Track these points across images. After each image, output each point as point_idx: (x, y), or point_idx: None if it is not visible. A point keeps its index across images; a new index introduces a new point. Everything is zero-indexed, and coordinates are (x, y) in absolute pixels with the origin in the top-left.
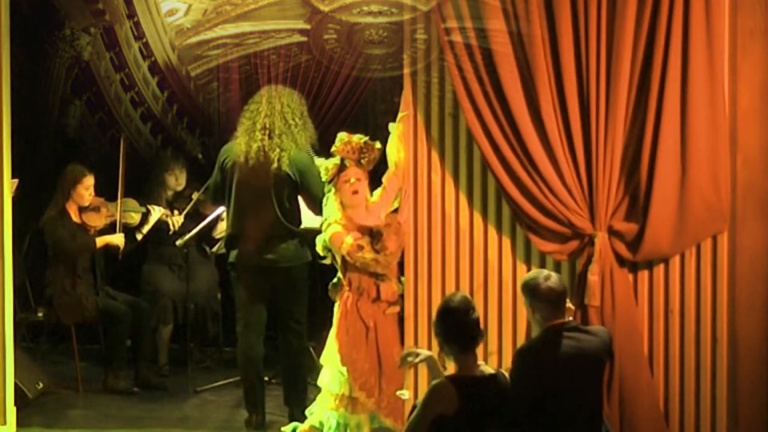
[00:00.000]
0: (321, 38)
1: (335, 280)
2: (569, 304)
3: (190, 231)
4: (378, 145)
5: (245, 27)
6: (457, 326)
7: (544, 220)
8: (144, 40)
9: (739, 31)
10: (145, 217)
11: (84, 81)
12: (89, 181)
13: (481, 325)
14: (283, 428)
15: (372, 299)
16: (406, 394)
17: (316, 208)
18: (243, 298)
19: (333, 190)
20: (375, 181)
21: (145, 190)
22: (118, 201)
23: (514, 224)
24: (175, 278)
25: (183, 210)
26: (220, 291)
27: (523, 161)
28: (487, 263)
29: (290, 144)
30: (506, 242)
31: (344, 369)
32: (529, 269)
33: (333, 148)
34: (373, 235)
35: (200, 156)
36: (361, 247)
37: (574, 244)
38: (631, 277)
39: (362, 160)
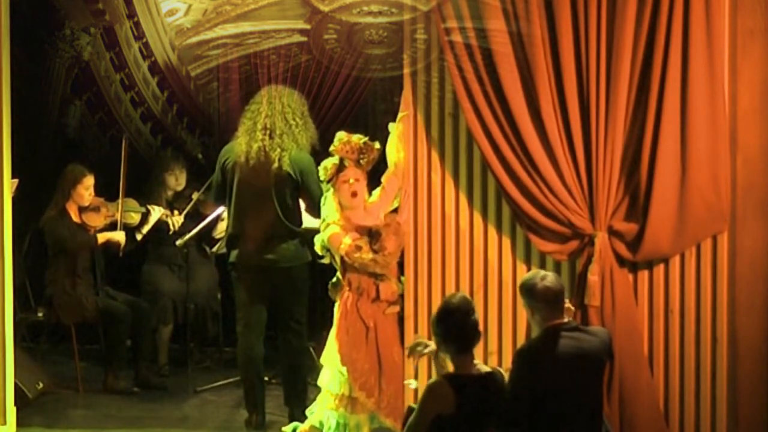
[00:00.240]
0: (321, 38)
1: (334, 279)
2: (569, 305)
3: (190, 231)
4: (377, 145)
5: (245, 27)
6: (457, 327)
7: (544, 220)
8: (144, 40)
9: (739, 31)
10: (145, 217)
11: (84, 81)
12: (89, 181)
13: (481, 325)
14: (283, 428)
15: (372, 299)
16: (413, 383)
17: (315, 210)
18: (243, 298)
19: (331, 190)
20: (374, 181)
21: (145, 190)
22: (119, 201)
23: (514, 224)
24: (175, 278)
25: (183, 210)
26: (220, 291)
27: (523, 161)
28: (487, 263)
29: (291, 144)
30: (506, 242)
31: (344, 369)
32: (529, 269)
33: (332, 148)
34: (372, 235)
35: (200, 156)
36: (359, 248)
37: (574, 244)
38: (631, 277)
39: (361, 161)
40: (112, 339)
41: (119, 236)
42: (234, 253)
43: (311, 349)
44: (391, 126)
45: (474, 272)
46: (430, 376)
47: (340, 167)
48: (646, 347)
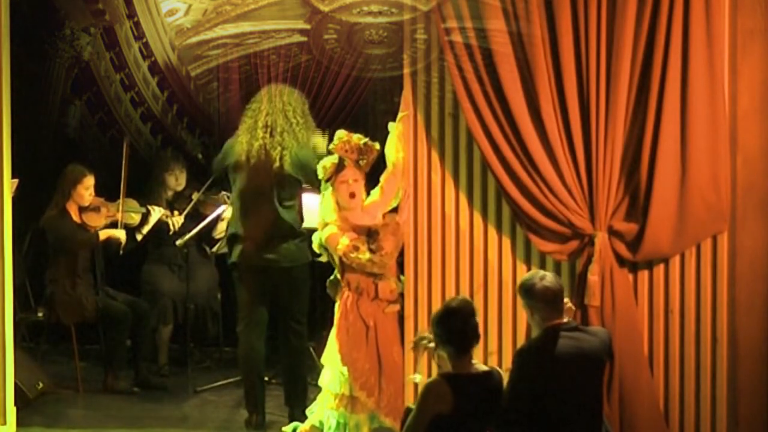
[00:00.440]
0: (321, 38)
1: (332, 277)
2: (569, 305)
3: (190, 231)
4: (377, 146)
5: (245, 27)
6: (456, 329)
7: (544, 220)
8: (144, 40)
9: (739, 31)
10: (145, 217)
11: (84, 81)
12: (89, 181)
13: (481, 325)
14: (283, 428)
15: (371, 298)
16: (418, 377)
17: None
18: (244, 298)
19: (329, 189)
20: (373, 181)
21: (145, 190)
22: (120, 201)
23: (514, 224)
24: (175, 278)
25: (183, 210)
26: (220, 291)
27: (523, 161)
28: (487, 263)
29: (292, 142)
30: (506, 242)
31: (345, 369)
32: (529, 269)
33: (331, 146)
34: (370, 235)
35: (200, 156)
36: (356, 248)
37: (574, 244)
38: (631, 277)
39: (361, 162)
40: (112, 339)
41: (120, 233)
42: (235, 253)
43: (311, 349)
44: (391, 126)
45: (474, 272)
46: (430, 371)
47: (339, 167)
48: (646, 347)
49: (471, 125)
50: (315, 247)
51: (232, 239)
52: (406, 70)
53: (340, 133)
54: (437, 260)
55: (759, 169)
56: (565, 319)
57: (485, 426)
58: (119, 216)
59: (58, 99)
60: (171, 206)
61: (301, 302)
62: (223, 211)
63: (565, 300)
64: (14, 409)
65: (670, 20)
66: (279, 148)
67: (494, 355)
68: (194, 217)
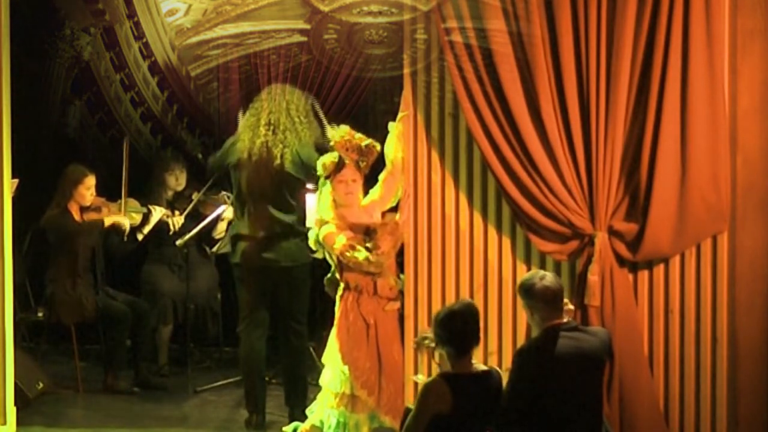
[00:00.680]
0: (321, 38)
1: (329, 275)
2: (569, 305)
3: (190, 231)
4: (378, 147)
5: (245, 27)
6: (458, 332)
7: (544, 220)
8: (144, 40)
9: (739, 31)
10: (146, 217)
11: (84, 81)
12: (90, 181)
13: (481, 325)
14: (284, 428)
15: (370, 295)
16: (420, 377)
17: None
18: (245, 298)
19: (328, 185)
20: (372, 180)
21: (145, 190)
22: (122, 201)
23: (514, 224)
24: (175, 278)
25: (183, 210)
26: (220, 291)
27: (523, 161)
28: (487, 263)
29: (294, 140)
30: (506, 242)
31: (345, 368)
32: (529, 269)
33: (332, 142)
34: (368, 233)
35: (200, 156)
36: (353, 248)
37: (574, 244)
38: (631, 277)
39: (360, 163)
40: (112, 339)
41: (124, 220)
42: (238, 252)
43: (311, 349)
44: (391, 125)
45: (474, 272)
46: (431, 372)
47: (339, 165)
48: (646, 347)
49: (471, 125)
50: (311, 242)
51: (235, 239)
52: (406, 70)
53: (343, 129)
54: (437, 260)
55: (759, 169)
56: (565, 319)
57: (485, 426)
58: (121, 214)
59: (58, 99)
60: (171, 206)
61: (302, 302)
62: (223, 211)
63: (565, 300)
64: (14, 409)
65: (670, 20)
66: (281, 146)
67: (494, 355)
68: (194, 217)
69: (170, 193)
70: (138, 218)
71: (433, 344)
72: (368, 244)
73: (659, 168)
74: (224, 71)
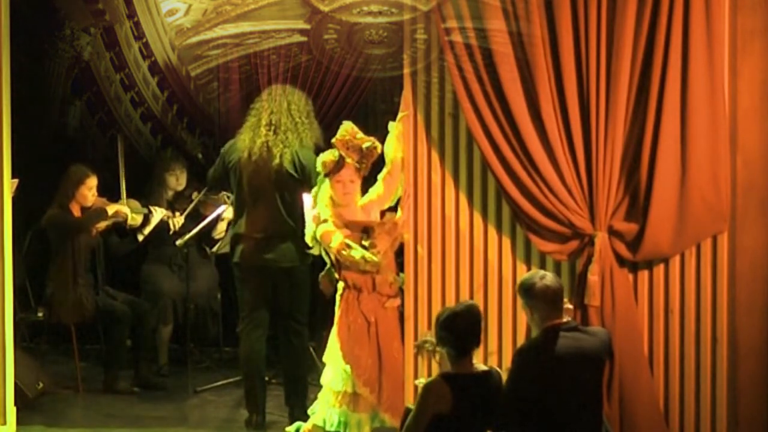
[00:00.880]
0: (321, 38)
1: (324, 272)
2: (568, 305)
3: (190, 231)
4: (379, 149)
5: (245, 27)
6: (459, 333)
7: (544, 220)
8: (144, 40)
9: (739, 31)
10: (147, 218)
11: (84, 81)
12: (92, 182)
13: (482, 325)
14: (287, 428)
15: (369, 292)
16: (422, 381)
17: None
18: (246, 298)
19: (327, 182)
20: (372, 179)
21: (145, 191)
22: (122, 199)
23: (514, 224)
24: (175, 278)
25: (184, 210)
26: (220, 291)
27: (523, 161)
28: (487, 263)
29: (294, 141)
30: (506, 242)
31: (347, 366)
32: (529, 269)
33: (334, 139)
34: (365, 232)
35: (200, 156)
36: (348, 246)
37: (574, 244)
38: (631, 277)
39: (360, 165)
40: (112, 339)
41: (125, 209)
42: (237, 252)
43: (311, 349)
44: (391, 125)
45: (474, 272)
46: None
47: (339, 164)
48: (646, 347)
49: (471, 125)
50: (307, 239)
51: (235, 239)
52: (406, 70)
53: (347, 126)
54: (437, 260)
55: (759, 169)
56: (565, 319)
57: (485, 426)
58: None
59: (58, 99)
60: (171, 206)
61: (302, 302)
62: (223, 211)
63: (564, 300)
64: (14, 408)
65: (670, 20)
66: (281, 146)
67: (494, 355)
68: (194, 217)
69: (170, 193)
70: (139, 219)
71: (433, 348)
72: (365, 243)
73: (659, 168)
74: (224, 71)
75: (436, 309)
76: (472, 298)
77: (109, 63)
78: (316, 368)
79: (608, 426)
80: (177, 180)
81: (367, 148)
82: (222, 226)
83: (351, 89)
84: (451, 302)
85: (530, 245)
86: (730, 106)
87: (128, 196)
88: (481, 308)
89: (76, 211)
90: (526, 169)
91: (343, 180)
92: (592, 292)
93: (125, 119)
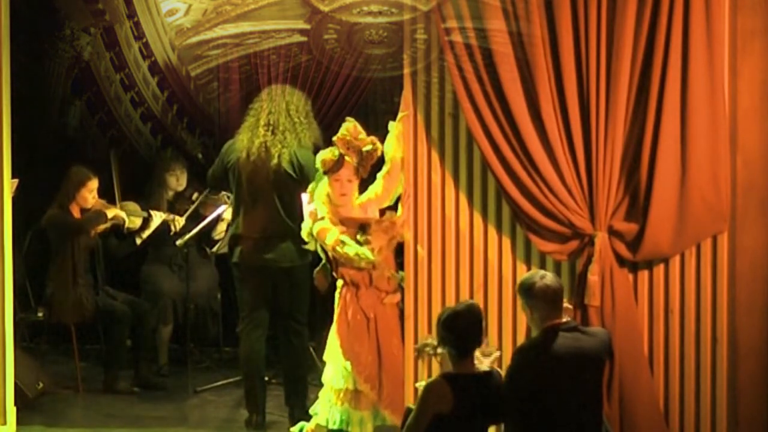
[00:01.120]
0: (321, 38)
1: (319, 267)
2: (568, 305)
3: (190, 231)
4: (380, 150)
5: (245, 27)
6: (460, 333)
7: (544, 220)
8: (144, 40)
9: (739, 31)
10: (146, 222)
11: (84, 81)
12: (93, 184)
13: (483, 325)
14: (291, 429)
15: (368, 288)
16: (423, 384)
17: None
18: (245, 298)
19: (326, 180)
20: (371, 178)
21: (146, 191)
22: (117, 204)
23: (514, 224)
24: (175, 278)
25: (184, 212)
26: (220, 291)
27: (523, 161)
28: (487, 263)
29: (293, 141)
30: (506, 242)
31: (348, 364)
32: (528, 269)
33: (336, 136)
34: (362, 228)
35: (200, 156)
36: (343, 243)
37: (574, 244)
38: (631, 277)
39: (360, 166)
40: (112, 339)
41: (123, 214)
42: (236, 253)
43: (311, 349)
44: (391, 125)
45: (474, 272)
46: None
47: (339, 163)
48: (646, 347)
49: (471, 125)
50: (303, 234)
51: (234, 239)
52: (406, 70)
53: (348, 125)
54: (437, 260)
55: (759, 169)
56: (565, 319)
57: (486, 426)
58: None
59: (58, 99)
60: (172, 206)
61: (301, 302)
62: (223, 211)
63: (564, 300)
64: (14, 408)
65: (670, 20)
66: (279, 146)
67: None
68: (194, 218)
69: (171, 194)
70: (138, 222)
71: (433, 351)
72: (360, 239)
73: (659, 168)
74: (224, 71)
75: (436, 309)
76: (472, 297)
77: (109, 63)
78: (316, 368)
79: (608, 426)
80: (177, 180)
81: (367, 151)
82: (222, 227)
83: (351, 89)
84: (451, 302)
85: (530, 245)
86: (730, 106)
87: (129, 197)
88: (481, 308)
89: (76, 213)
90: (526, 169)
91: (341, 179)
92: (592, 292)
93: (125, 119)
